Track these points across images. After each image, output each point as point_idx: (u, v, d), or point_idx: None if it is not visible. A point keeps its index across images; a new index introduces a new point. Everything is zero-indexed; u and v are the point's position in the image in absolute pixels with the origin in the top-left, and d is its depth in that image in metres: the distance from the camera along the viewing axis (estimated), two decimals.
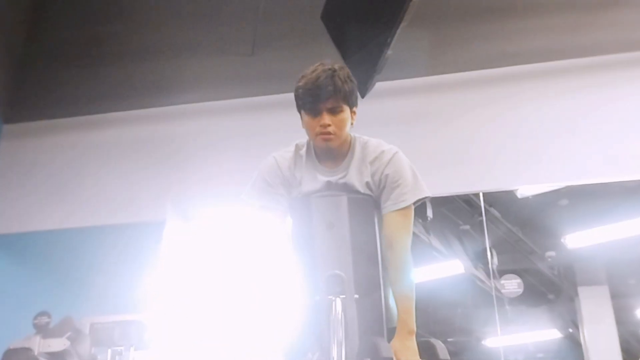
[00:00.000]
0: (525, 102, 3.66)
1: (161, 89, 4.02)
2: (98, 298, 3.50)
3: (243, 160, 3.56)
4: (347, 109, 1.78)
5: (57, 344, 3.36)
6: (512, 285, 3.88)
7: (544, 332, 5.12)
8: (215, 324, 3.58)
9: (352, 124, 1.83)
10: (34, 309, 3.54)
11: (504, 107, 3.67)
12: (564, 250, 4.54)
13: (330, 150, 1.83)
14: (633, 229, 4.24)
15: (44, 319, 3.51)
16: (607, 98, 3.58)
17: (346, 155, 1.83)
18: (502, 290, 3.88)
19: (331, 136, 1.76)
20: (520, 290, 3.87)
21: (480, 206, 3.96)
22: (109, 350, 3.36)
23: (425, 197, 1.78)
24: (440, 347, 1.65)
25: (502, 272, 3.97)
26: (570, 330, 4.91)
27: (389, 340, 1.64)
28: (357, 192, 1.80)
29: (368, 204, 1.77)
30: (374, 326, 1.63)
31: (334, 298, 1.54)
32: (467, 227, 4.42)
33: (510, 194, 4.00)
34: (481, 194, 3.94)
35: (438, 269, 4.65)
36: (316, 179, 1.82)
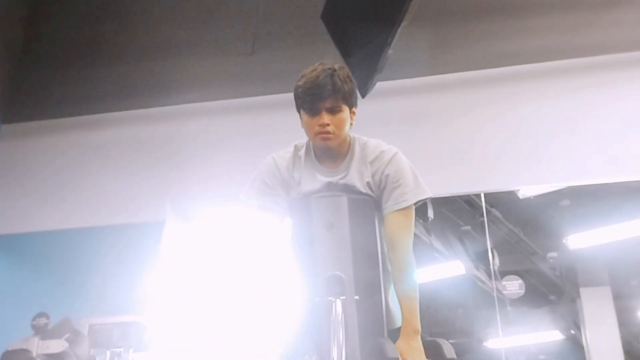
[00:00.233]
0: (526, 102, 3.65)
1: (161, 89, 4.01)
2: (97, 299, 3.49)
3: (243, 160, 3.55)
4: (346, 108, 1.78)
5: (55, 346, 3.35)
6: (513, 286, 3.87)
7: (546, 333, 5.10)
8: (214, 325, 3.57)
9: (351, 124, 1.83)
10: (33, 310, 3.53)
11: (505, 107, 3.66)
12: (566, 251, 4.53)
13: (329, 150, 1.82)
14: (635, 230, 4.22)
15: (43, 320, 3.49)
16: (609, 98, 3.56)
17: (346, 156, 1.83)
18: (504, 292, 3.86)
19: (330, 135, 1.76)
20: (522, 292, 3.86)
21: (482, 207, 3.94)
22: (108, 352, 3.35)
23: (426, 198, 1.78)
24: (447, 346, 1.63)
25: (503, 273, 3.96)
26: (572, 331, 4.90)
27: (393, 341, 1.63)
28: (358, 192, 1.79)
29: (368, 204, 1.76)
30: (375, 327, 1.62)
31: (334, 299, 1.53)
32: (468, 227, 4.41)
33: (511, 194, 3.99)
34: (482, 195, 3.92)
35: (439, 269, 4.64)
36: (316, 179, 1.82)
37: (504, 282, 3.89)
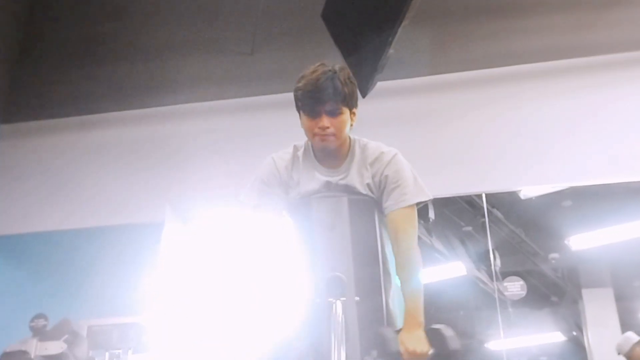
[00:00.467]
0: (528, 101, 3.64)
1: (160, 89, 4.00)
2: (96, 300, 3.48)
3: (242, 160, 3.54)
4: (346, 111, 1.78)
5: (54, 347, 3.33)
6: (515, 287, 3.85)
7: (548, 335, 5.08)
8: (214, 326, 3.56)
9: (352, 125, 1.83)
10: (31, 311, 3.50)
11: (506, 107, 3.65)
12: (568, 252, 4.52)
13: (329, 151, 1.82)
14: (638, 230, 4.21)
15: (41, 322, 3.47)
16: (610, 98, 3.55)
17: (346, 157, 1.83)
18: (505, 293, 3.85)
19: (330, 137, 1.76)
20: (523, 293, 3.84)
21: (483, 207, 3.93)
22: (107, 353, 3.34)
23: (427, 200, 1.78)
24: (450, 335, 1.59)
25: (504, 274, 3.95)
26: (574, 333, 4.88)
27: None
28: (358, 193, 1.79)
29: (369, 205, 1.76)
30: (375, 328, 1.61)
31: (334, 300, 1.53)
32: (470, 228, 4.40)
33: (513, 195, 3.98)
34: (484, 195, 3.90)
35: (440, 270, 4.62)
36: (315, 178, 1.82)
37: (505, 283, 3.88)
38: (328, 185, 1.79)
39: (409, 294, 1.67)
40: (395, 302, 1.82)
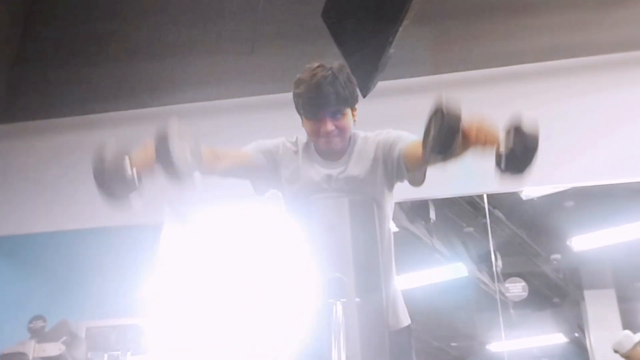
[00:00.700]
0: (529, 101, 3.61)
1: (159, 88, 3.97)
2: (94, 301, 3.45)
3: None
4: (348, 111, 1.78)
5: (52, 349, 3.32)
6: (516, 288, 3.85)
7: (549, 336, 5.08)
8: (213, 328, 3.55)
9: (354, 121, 1.82)
10: (29, 313, 3.49)
11: (508, 107, 3.59)
12: (570, 252, 4.51)
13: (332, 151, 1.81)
14: None
15: (39, 323, 3.46)
16: (614, 97, 3.53)
17: (346, 150, 1.82)
18: (507, 294, 3.85)
19: (335, 140, 1.76)
20: (525, 294, 3.84)
21: (484, 208, 3.92)
22: (105, 355, 3.34)
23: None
24: (529, 127, 1.43)
25: (506, 275, 3.95)
26: (576, 334, 4.88)
27: (392, 344, 1.62)
28: (360, 183, 1.77)
29: (370, 206, 1.74)
30: (376, 330, 1.60)
31: (334, 302, 1.51)
32: (471, 229, 4.39)
33: (514, 195, 3.97)
34: (485, 196, 3.88)
35: (441, 272, 4.62)
36: (315, 170, 1.81)
37: (506, 285, 3.87)
38: (328, 177, 1.78)
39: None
40: (396, 303, 1.82)
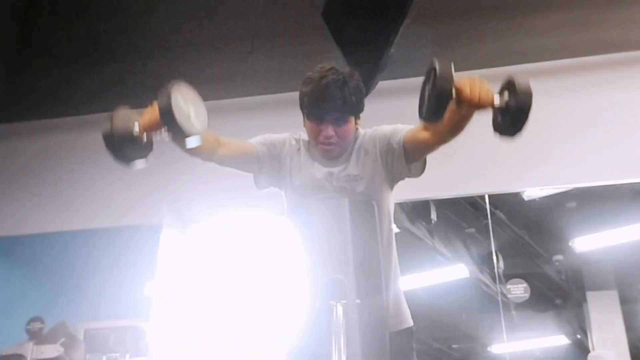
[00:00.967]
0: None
1: (158, 88, 3.94)
2: (92, 303, 3.45)
3: None
4: (352, 119, 1.76)
5: (50, 351, 3.32)
6: (518, 290, 3.84)
7: (551, 338, 5.06)
8: (213, 330, 3.53)
9: (356, 129, 1.82)
10: (27, 314, 3.48)
11: None
12: (572, 254, 4.50)
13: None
14: None
15: (37, 325, 3.46)
16: (617, 97, 3.51)
17: (346, 149, 1.81)
18: (508, 295, 3.84)
19: (332, 147, 1.75)
20: (527, 295, 3.83)
21: (486, 208, 3.90)
22: (104, 357, 3.33)
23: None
24: (522, 83, 1.48)
25: (508, 277, 3.93)
26: (579, 336, 4.86)
27: (393, 346, 1.60)
28: (361, 181, 1.76)
29: (370, 207, 1.71)
30: (377, 332, 1.58)
31: (334, 303, 1.49)
32: (472, 230, 4.37)
33: (516, 196, 3.95)
34: (487, 196, 3.87)
35: (442, 273, 4.60)
36: (316, 167, 1.80)
37: (508, 286, 3.86)
38: (330, 176, 1.77)
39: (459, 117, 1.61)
40: (399, 304, 1.82)
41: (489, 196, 3.86)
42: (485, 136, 3.74)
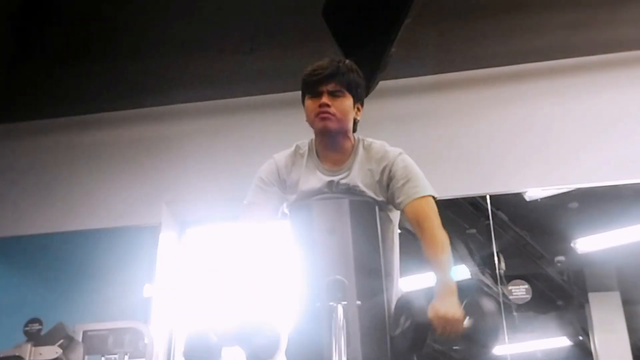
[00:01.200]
0: (533, 101, 3.60)
1: (157, 88, 3.96)
2: (91, 304, 3.46)
3: (241, 161, 3.51)
4: (349, 97, 1.78)
5: (48, 352, 3.30)
6: (520, 291, 3.84)
7: (553, 339, 5.04)
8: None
9: (357, 120, 1.83)
10: (25, 316, 3.46)
11: (511, 107, 3.61)
12: (574, 254, 4.48)
13: (331, 143, 1.80)
14: None
15: (35, 326, 3.44)
16: (619, 98, 3.52)
17: (349, 155, 1.81)
18: (510, 297, 3.84)
19: (330, 116, 1.74)
20: (529, 297, 3.82)
21: (487, 209, 3.89)
22: (103, 358, 3.30)
23: (436, 198, 1.77)
24: (489, 309, 1.51)
25: (509, 278, 3.92)
26: (581, 337, 4.84)
27: (392, 350, 1.58)
28: (360, 192, 1.76)
29: (370, 207, 1.73)
30: (377, 333, 1.58)
31: (335, 304, 1.50)
32: (474, 231, 4.36)
33: (518, 196, 3.94)
34: (488, 197, 3.86)
35: None
36: (317, 177, 1.79)
37: (510, 287, 3.86)
38: (330, 184, 1.77)
39: (437, 265, 1.62)
40: None
41: (491, 197, 3.85)
42: (487, 137, 3.76)
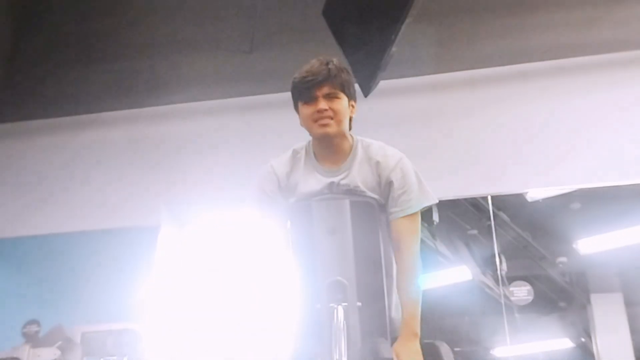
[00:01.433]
0: (535, 101, 3.58)
1: (156, 88, 3.95)
2: (90, 306, 3.43)
3: (241, 161, 3.50)
4: (344, 97, 1.77)
5: (47, 354, 3.31)
6: (521, 292, 3.84)
7: (555, 341, 5.03)
8: (211, 333, 3.51)
9: (351, 117, 1.82)
10: (23, 317, 3.46)
11: (513, 107, 3.59)
12: (576, 255, 4.48)
13: (330, 143, 1.78)
14: None
15: (34, 328, 3.44)
16: (622, 97, 3.50)
17: (348, 156, 1.80)
18: (512, 298, 3.84)
19: (329, 121, 1.73)
20: (530, 298, 3.83)
21: (489, 210, 3.88)
22: None
23: (431, 205, 1.78)
24: (445, 350, 1.60)
25: (511, 279, 3.92)
26: (583, 339, 4.83)
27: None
28: (361, 192, 1.75)
29: (371, 207, 1.73)
30: (377, 334, 1.59)
31: (335, 306, 1.50)
32: (475, 231, 4.36)
33: (519, 197, 3.94)
34: (489, 197, 3.85)
35: (444, 275, 4.58)
36: (316, 179, 1.78)
37: (511, 288, 3.86)
38: (330, 185, 1.76)
39: (406, 302, 1.66)
40: (398, 307, 1.76)
41: (492, 197, 3.84)
42: (488, 137, 3.74)
